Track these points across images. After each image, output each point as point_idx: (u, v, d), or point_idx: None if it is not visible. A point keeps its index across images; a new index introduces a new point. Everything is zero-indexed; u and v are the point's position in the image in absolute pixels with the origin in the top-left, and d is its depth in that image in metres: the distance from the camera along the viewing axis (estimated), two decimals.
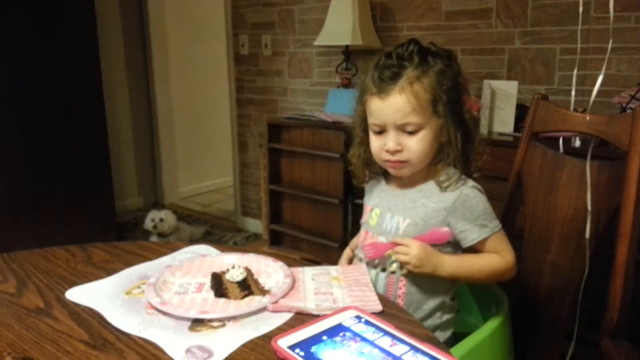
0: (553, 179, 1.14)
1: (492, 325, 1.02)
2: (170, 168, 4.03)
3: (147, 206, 3.79)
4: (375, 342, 0.67)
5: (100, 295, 0.84)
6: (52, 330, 0.73)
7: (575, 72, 1.13)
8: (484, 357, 1.01)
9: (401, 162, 0.97)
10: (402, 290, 0.99)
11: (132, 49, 3.70)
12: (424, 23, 2.37)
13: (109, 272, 0.93)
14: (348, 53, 2.55)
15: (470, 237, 0.96)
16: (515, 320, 1.11)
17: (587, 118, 1.00)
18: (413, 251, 0.94)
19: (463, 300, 1.17)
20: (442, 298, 1.01)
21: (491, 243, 0.97)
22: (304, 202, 2.60)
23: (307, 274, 0.92)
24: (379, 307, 0.79)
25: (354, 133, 1.07)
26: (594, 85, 1.94)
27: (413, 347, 0.66)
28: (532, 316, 1.17)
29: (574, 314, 1.11)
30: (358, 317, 0.74)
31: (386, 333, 0.69)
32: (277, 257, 0.97)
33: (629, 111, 1.74)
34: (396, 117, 0.93)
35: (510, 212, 1.23)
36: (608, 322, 0.99)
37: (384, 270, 1.00)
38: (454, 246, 1.00)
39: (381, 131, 0.97)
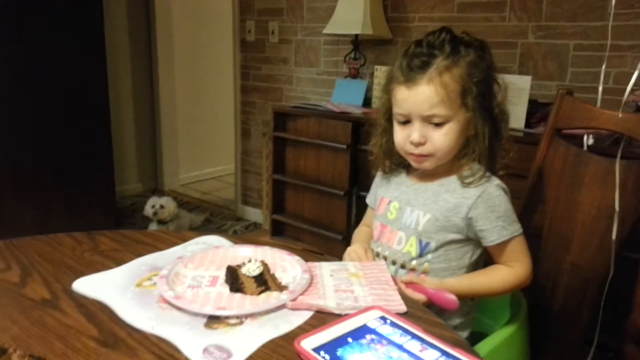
0: (576, 177, 1.11)
1: (509, 329, 0.99)
2: (171, 154, 3.97)
3: (147, 192, 3.75)
4: (404, 345, 0.64)
5: (109, 287, 0.79)
6: (60, 325, 0.69)
7: (603, 68, 1.10)
8: None
9: (424, 155, 0.93)
10: None
11: (137, 34, 3.64)
12: (436, 14, 2.32)
13: (118, 262, 0.89)
14: (357, 43, 2.50)
15: (490, 237, 0.93)
16: (532, 321, 1.08)
17: (620, 115, 0.96)
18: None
19: (477, 300, 1.13)
20: None
21: (509, 249, 0.94)
22: (308, 193, 2.56)
23: (325, 269, 0.88)
24: (403, 308, 0.75)
25: (377, 122, 1.03)
26: (607, 82, 1.91)
27: (444, 353, 0.62)
28: (549, 318, 1.14)
29: (593, 317, 1.08)
30: (383, 318, 0.70)
31: (414, 336, 0.66)
32: (292, 250, 0.93)
33: None
34: (423, 107, 0.90)
35: (529, 210, 1.20)
36: (632, 326, 0.96)
37: (403, 267, 0.97)
38: (475, 244, 0.97)
39: (406, 121, 0.93)
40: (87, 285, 0.80)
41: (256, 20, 3.03)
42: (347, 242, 2.41)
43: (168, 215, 2.89)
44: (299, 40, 2.86)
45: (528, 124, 1.97)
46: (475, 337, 1.03)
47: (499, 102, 0.94)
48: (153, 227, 2.88)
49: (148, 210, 2.87)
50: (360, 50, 2.53)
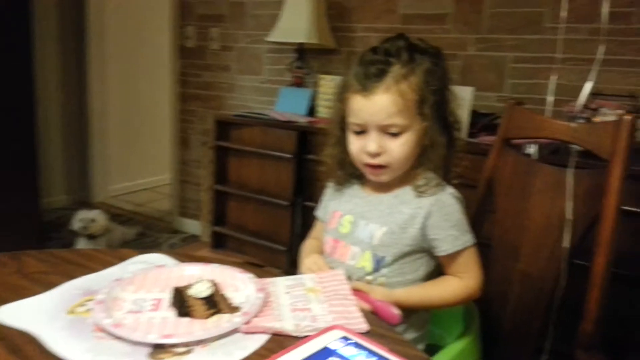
0: (526, 186, 1.11)
1: (463, 342, 0.97)
2: (102, 164, 3.75)
3: (74, 204, 3.51)
4: None
5: (37, 315, 0.70)
6: None
7: (553, 79, 1.11)
8: None
9: (381, 166, 0.90)
10: None
11: (68, 35, 3.42)
12: (380, 25, 2.33)
13: (47, 286, 0.79)
14: (302, 51, 2.47)
15: (442, 247, 0.91)
16: (484, 330, 1.07)
17: (572, 125, 0.98)
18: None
19: (432, 312, 1.11)
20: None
21: (460, 260, 0.92)
22: (251, 204, 2.49)
23: (279, 285, 0.83)
24: (365, 327, 0.71)
25: (330, 132, 0.99)
26: (542, 93, 1.97)
27: None
28: (501, 327, 1.13)
29: (544, 325, 1.08)
30: (345, 339, 0.65)
31: (380, 358, 0.62)
32: (234, 264, 0.87)
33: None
34: (380, 117, 0.87)
35: (479, 220, 1.20)
36: (583, 333, 0.97)
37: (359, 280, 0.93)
38: (430, 256, 0.94)
39: (362, 131, 0.90)
40: (11, 314, 0.70)
41: (196, 26, 2.94)
42: (291, 253, 2.35)
43: (99, 229, 2.70)
44: (241, 47, 2.79)
45: (470, 134, 2.01)
46: (428, 350, 1.00)
47: (452, 110, 0.93)
48: (81, 243, 2.67)
49: (76, 224, 2.67)
50: (305, 59, 2.49)
